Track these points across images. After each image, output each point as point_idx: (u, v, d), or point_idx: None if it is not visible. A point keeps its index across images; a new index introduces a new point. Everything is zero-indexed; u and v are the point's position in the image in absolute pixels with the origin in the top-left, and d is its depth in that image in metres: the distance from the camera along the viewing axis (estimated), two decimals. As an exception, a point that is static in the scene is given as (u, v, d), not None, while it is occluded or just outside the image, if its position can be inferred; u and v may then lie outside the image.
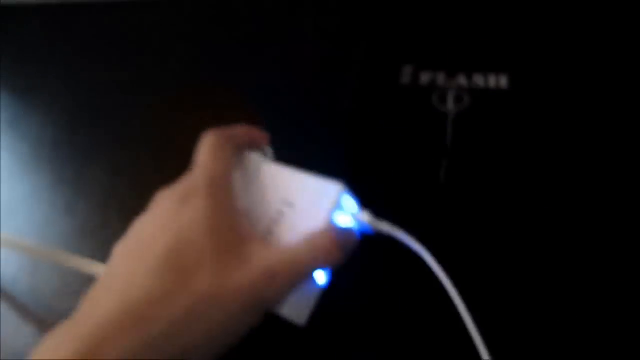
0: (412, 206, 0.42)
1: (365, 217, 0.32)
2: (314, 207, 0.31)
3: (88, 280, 0.39)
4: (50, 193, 0.45)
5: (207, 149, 0.31)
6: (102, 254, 0.41)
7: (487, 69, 0.41)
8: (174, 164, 0.46)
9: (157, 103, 0.52)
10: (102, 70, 0.55)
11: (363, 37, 0.55)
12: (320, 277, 0.30)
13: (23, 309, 0.38)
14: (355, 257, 0.31)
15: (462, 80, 0.41)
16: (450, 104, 0.39)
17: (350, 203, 0.32)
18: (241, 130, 0.34)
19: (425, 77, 0.41)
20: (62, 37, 0.60)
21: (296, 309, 0.30)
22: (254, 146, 0.35)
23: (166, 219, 0.29)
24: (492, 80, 0.41)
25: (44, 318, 0.38)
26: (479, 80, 0.41)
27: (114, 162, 0.47)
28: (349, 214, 0.31)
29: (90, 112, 0.51)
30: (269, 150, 0.36)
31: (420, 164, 0.42)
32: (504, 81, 0.40)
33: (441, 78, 0.41)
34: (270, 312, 0.29)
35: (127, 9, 0.62)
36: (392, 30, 0.52)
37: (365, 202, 0.43)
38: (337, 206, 0.31)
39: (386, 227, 0.32)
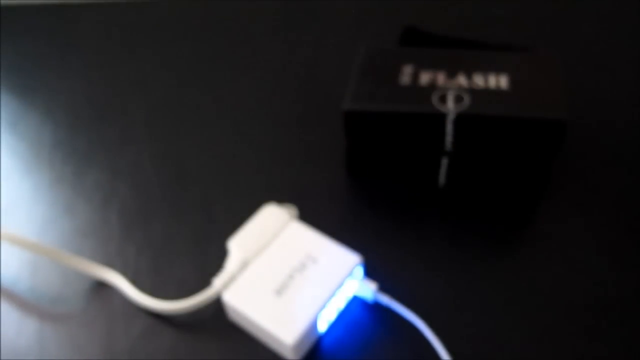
0: (411, 207, 0.42)
1: (370, 286, 0.36)
2: (332, 268, 0.36)
3: (88, 281, 0.39)
4: (50, 193, 0.45)
5: None
6: (102, 254, 0.41)
7: (487, 69, 0.41)
8: (174, 164, 0.47)
9: (157, 103, 0.52)
10: (102, 70, 0.55)
11: (363, 37, 0.55)
12: (322, 324, 0.35)
13: (23, 309, 0.38)
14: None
15: (462, 80, 0.41)
16: (450, 104, 0.39)
17: (360, 273, 0.37)
18: None
19: (425, 77, 0.41)
20: (62, 37, 0.60)
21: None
22: None
23: None
24: (492, 80, 0.41)
25: (44, 318, 0.38)
26: (479, 80, 0.41)
27: (114, 162, 0.47)
28: (357, 281, 0.37)
29: (90, 112, 0.51)
30: (294, 208, 0.40)
31: (420, 165, 0.42)
32: (504, 81, 0.40)
33: (441, 78, 0.41)
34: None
35: (127, 9, 0.62)
36: (392, 30, 0.52)
37: (364, 203, 0.43)
38: (350, 273, 0.36)
39: (386, 299, 0.36)
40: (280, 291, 0.35)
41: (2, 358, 0.36)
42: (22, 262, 0.41)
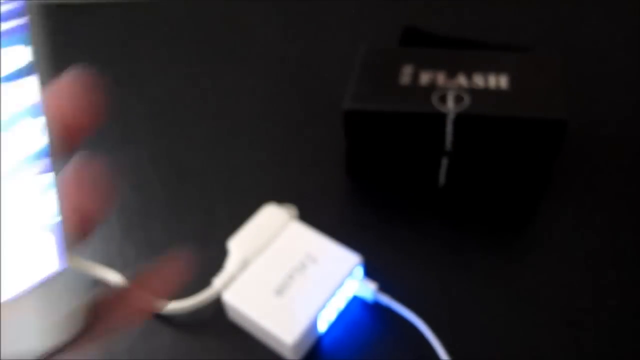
0: (411, 207, 0.42)
1: (370, 286, 0.36)
2: (332, 267, 0.36)
3: (88, 281, 0.39)
4: (50, 193, 0.45)
5: None
6: (102, 254, 0.41)
7: (487, 69, 0.41)
8: (174, 164, 0.47)
9: (157, 103, 0.52)
10: (102, 70, 0.55)
11: (363, 37, 0.55)
12: (322, 324, 0.35)
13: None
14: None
15: (462, 80, 0.41)
16: (450, 104, 0.39)
17: (360, 273, 0.37)
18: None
19: (425, 77, 0.41)
20: (62, 37, 0.60)
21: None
22: None
23: None
24: (492, 80, 0.41)
25: (43, 318, 0.38)
26: (479, 80, 0.41)
27: (114, 162, 0.47)
28: (357, 281, 0.37)
29: (90, 112, 0.51)
30: (294, 208, 0.40)
31: (420, 165, 0.42)
32: (504, 81, 0.40)
33: (441, 78, 0.41)
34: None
35: (128, 9, 0.62)
36: (392, 30, 0.52)
37: (364, 203, 0.43)
38: (350, 273, 0.36)
39: (386, 299, 0.36)
40: (280, 291, 0.35)
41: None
42: (22, 262, 0.41)
